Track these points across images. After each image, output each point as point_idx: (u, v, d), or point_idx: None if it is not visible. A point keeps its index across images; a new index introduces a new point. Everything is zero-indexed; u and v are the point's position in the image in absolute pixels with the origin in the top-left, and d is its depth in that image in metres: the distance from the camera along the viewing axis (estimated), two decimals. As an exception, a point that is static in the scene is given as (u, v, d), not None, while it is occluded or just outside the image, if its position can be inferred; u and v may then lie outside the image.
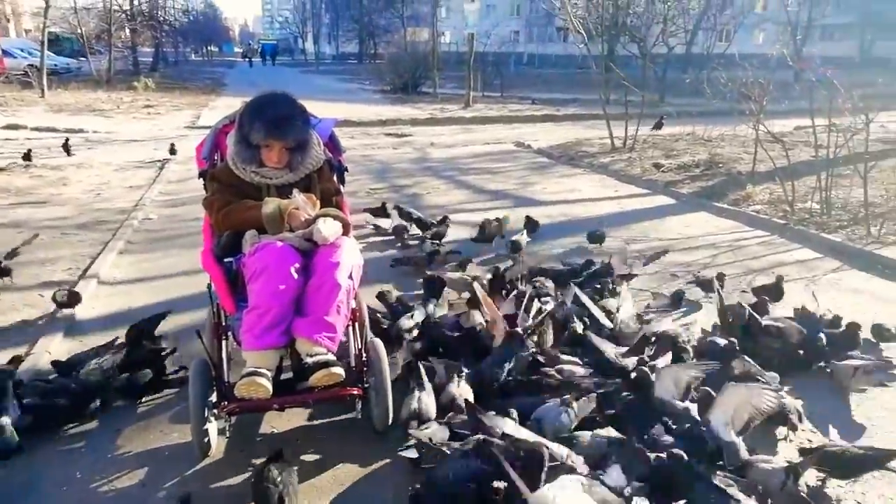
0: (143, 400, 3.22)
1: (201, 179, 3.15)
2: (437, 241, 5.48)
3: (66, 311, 4.25)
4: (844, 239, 5.58)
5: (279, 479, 2.34)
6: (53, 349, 3.75)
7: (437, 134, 13.49)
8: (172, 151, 10.15)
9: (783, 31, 24.26)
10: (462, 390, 2.97)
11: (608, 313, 3.79)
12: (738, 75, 7.90)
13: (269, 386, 2.49)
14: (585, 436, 2.64)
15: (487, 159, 10.54)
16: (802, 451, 2.64)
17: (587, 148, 11.02)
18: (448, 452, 2.52)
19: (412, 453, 2.60)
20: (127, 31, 28.56)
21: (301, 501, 2.48)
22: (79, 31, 25.96)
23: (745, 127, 9.42)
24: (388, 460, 2.73)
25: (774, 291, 4.27)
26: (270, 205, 2.81)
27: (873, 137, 7.68)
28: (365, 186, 8.19)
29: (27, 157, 9.47)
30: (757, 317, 3.58)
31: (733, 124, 10.55)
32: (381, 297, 4.06)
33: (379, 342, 2.91)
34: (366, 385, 2.82)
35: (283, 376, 2.82)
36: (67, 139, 10.42)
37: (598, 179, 8.90)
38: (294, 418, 3.05)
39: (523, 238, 5.40)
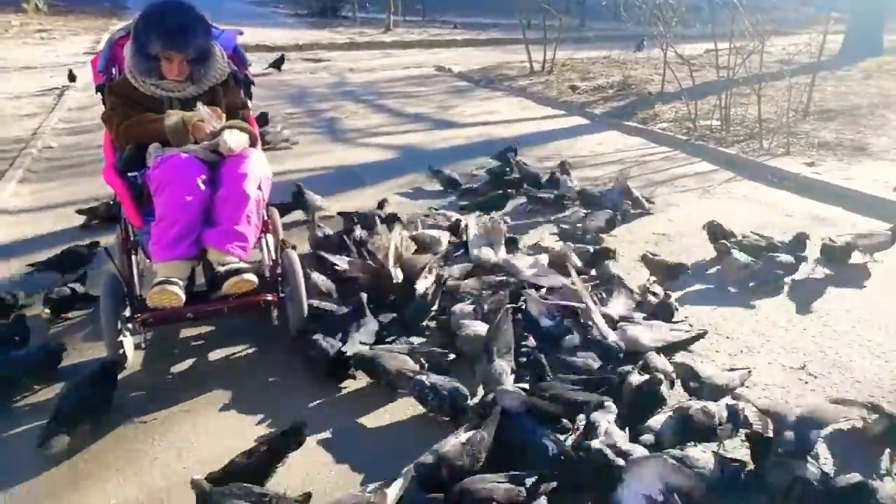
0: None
1: (98, 94, 3.04)
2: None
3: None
4: (739, 152, 5.96)
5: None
6: (-47, 278, 3.61)
7: (356, 59, 13.14)
8: (71, 78, 9.49)
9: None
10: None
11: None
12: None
13: (182, 293, 2.53)
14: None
15: (407, 83, 10.41)
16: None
17: (507, 71, 11.04)
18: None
19: None
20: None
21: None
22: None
23: (657, 50, 9.71)
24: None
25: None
26: (174, 117, 2.76)
27: (773, 59, 8.11)
28: (281, 111, 7.98)
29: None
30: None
31: (647, 48, 10.83)
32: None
33: (293, 253, 2.97)
34: (281, 294, 2.90)
35: (198, 288, 2.86)
36: None
37: (517, 102, 9.00)
38: (209, 333, 3.10)
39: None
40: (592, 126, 7.53)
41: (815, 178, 5.18)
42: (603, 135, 7.08)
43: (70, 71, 9.56)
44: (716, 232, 3.96)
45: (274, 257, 2.99)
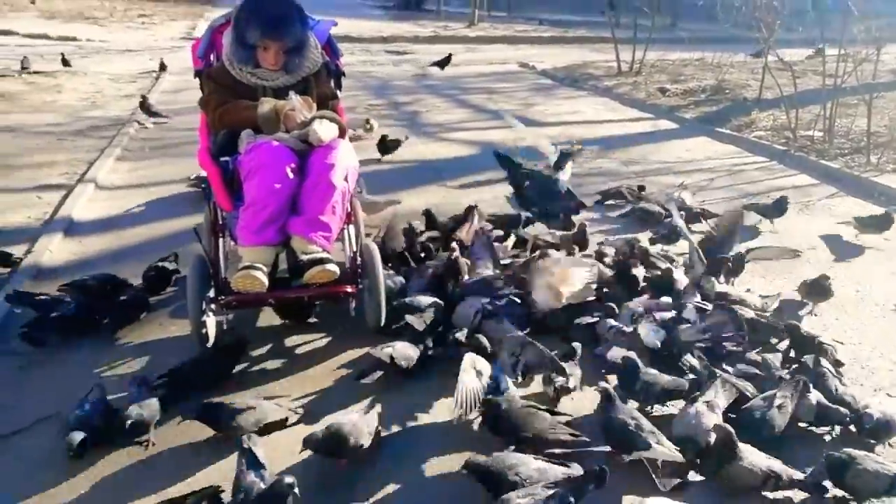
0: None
1: (197, 79, 3.12)
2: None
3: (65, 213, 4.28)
4: (843, 166, 5.56)
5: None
6: (54, 248, 3.81)
7: (439, 53, 13.14)
8: (163, 67, 9.68)
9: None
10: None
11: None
12: (753, 1, 7.65)
13: (265, 279, 2.55)
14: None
15: (490, 79, 10.33)
16: None
17: (593, 71, 10.79)
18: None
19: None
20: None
21: (295, 388, 2.60)
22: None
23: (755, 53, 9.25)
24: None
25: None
26: (266, 105, 2.79)
27: (885, 68, 7.55)
28: (363, 102, 8.06)
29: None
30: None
31: (744, 51, 10.31)
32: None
33: (374, 245, 2.96)
34: (360, 285, 2.89)
35: (280, 275, 2.89)
36: (63, 54, 9.89)
37: (602, 102, 8.76)
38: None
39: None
40: (681, 131, 7.23)
41: (929, 198, 4.78)
42: (693, 140, 6.77)
43: (161, 60, 9.84)
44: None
45: (355, 248, 2.99)
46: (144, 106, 6.88)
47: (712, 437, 2.15)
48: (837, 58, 6.32)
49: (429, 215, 3.95)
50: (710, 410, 2.26)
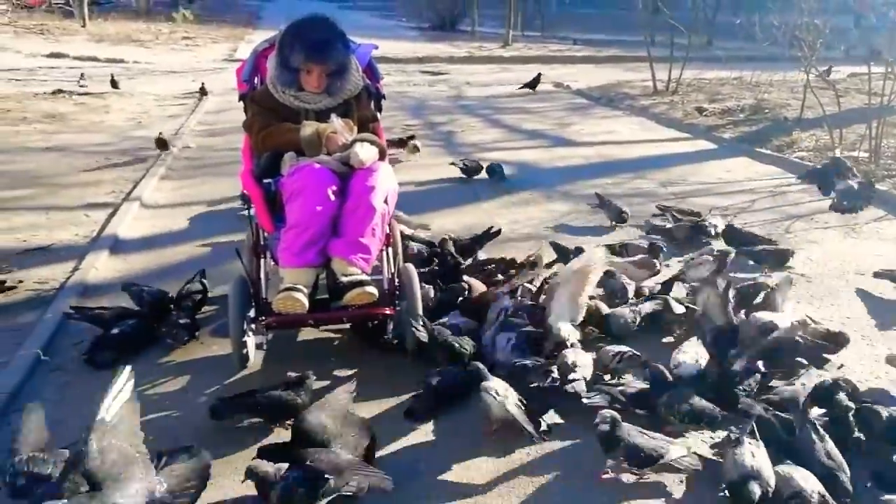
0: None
1: (241, 102, 3.19)
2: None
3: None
4: (891, 188, 5.40)
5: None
6: (100, 265, 3.92)
7: (474, 73, 13.26)
8: (203, 92, 9.64)
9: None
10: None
11: None
12: (793, 19, 7.54)
13: (306, 301, 2.58)
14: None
15: (524, 99, 10.35)
16: None
17: (628, 90, 10.74)
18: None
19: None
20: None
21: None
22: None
23: (795, 73, 9.09)
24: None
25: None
26: (309, 128, 2.84)
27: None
28: (400, 122, 8.15)
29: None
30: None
31: (784, 70, 10.15)
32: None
33: (412, 267, 2.97)
34: (397, 307, 2.90)
35: (319, 295, 2.91)
36: (113, 76, 10.18)
37: (638, 122, 8.70)
38: (329, 338, 3.15)
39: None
40: (720, 151, 7.12)
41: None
42: (732, 161, 6.67)
43: (202, 85, 9.84)
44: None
45: (393, 270, 3.00)
46: (161, 141, 6.42)
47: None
48: (884, 75, 6.18)
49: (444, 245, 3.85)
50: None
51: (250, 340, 2.92)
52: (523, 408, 2.40)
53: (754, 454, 2.11)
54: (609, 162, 6.56)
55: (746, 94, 9.77)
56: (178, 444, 2.38)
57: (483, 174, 5.78)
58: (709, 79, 11.10)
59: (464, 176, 5.73)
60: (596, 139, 7.60)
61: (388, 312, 2.79)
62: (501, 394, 2.39)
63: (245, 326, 2.81)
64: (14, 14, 18.41)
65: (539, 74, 10.85)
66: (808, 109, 7.77)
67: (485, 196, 5.37)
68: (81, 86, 9.54)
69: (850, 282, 3.79)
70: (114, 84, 9.87)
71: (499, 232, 4.11)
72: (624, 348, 2.82)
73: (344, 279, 2.65)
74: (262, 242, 2.99)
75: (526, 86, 10.69)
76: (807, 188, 5.72)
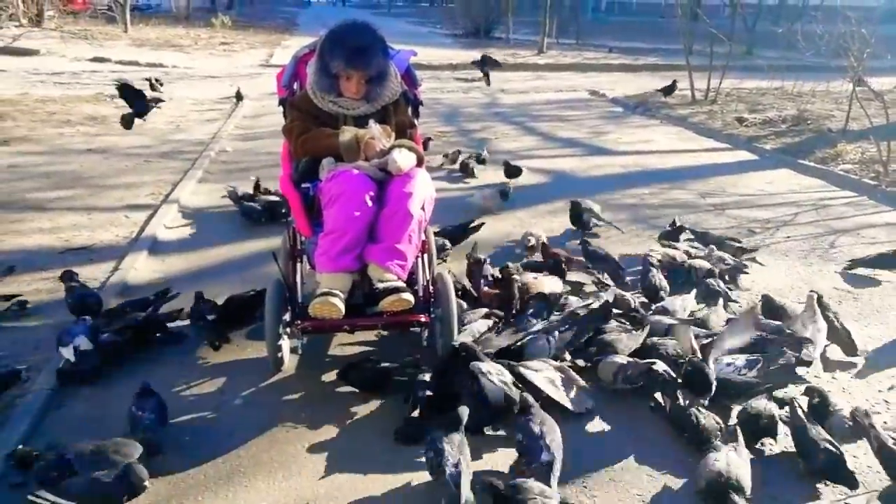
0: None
1: (281, 106, 3.21)
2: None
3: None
4: (939, 202, 5.22)
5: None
6: (139, 266, 3.98)
7: (508, 80, 13.20)
8: (239, 97, 9.67)
9: (891, -19, 22.23)
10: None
11: None
12: (837, 28, 7.35)
13: (342, 306, 2.57)
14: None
15: (559, 107, 10.28)
16: None
17: (665, 99, 10.56)
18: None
19: None
20: (205, -32, 28.88)
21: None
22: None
23: (839, 83, 8.86)
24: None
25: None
26: (347, 134, 2.84)
27: None
28: (433, 129, 8.14)
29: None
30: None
31: (827, 80, 9.90)
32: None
33: (447, 274, 2.94)
34: (432, 314, 2.88)
35: (355, 301, 2.90)
36: (149, 78, 10.26)
37: (675, 132, 8.56)
38: (363, 344, 3.14)
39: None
40: (761, 162, 6.96)
41: None
42: (773, 173, 6.51)
43: (238, 90, 9.88)
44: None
45: (429, 277, 2.98)
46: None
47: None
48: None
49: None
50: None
51: (285, 344, 2.92)
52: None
53: (729, 460, 2.16)
54: (646, 171, 6.45)
55: (788, 104, 9.55)
56: (213, 444, 2.42)
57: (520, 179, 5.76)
58: (749, 88, 10.88)
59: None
60: (632, 148, 7.50)
61: (423, 320, 2.77)
62: (495, 374, 2.53)
63: (281, 330, 2.82)
64: (60, 20, 18.95)
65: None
66: (853, 121, 7.56)
67: (519, 204, 5.33)
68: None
69: (899, 300, 3.66)
70: (153, 88, 10.03)
71: (480, 226, 4.34)
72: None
73: (380, 285, 2.64)
74: (298, 247, 2.99)
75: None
76: (853, 201, 5.56)
